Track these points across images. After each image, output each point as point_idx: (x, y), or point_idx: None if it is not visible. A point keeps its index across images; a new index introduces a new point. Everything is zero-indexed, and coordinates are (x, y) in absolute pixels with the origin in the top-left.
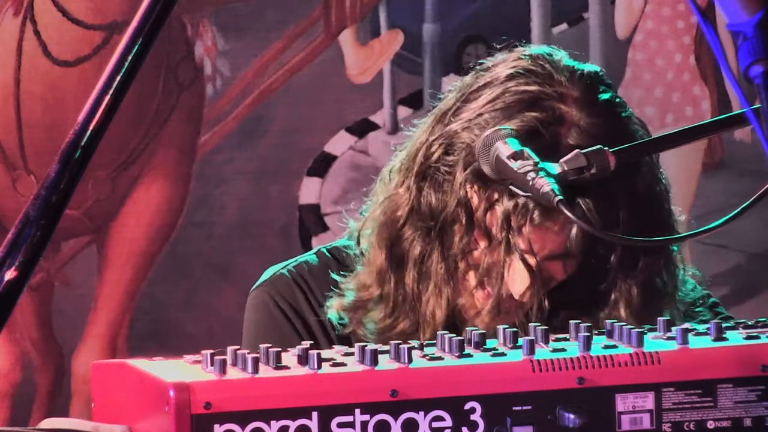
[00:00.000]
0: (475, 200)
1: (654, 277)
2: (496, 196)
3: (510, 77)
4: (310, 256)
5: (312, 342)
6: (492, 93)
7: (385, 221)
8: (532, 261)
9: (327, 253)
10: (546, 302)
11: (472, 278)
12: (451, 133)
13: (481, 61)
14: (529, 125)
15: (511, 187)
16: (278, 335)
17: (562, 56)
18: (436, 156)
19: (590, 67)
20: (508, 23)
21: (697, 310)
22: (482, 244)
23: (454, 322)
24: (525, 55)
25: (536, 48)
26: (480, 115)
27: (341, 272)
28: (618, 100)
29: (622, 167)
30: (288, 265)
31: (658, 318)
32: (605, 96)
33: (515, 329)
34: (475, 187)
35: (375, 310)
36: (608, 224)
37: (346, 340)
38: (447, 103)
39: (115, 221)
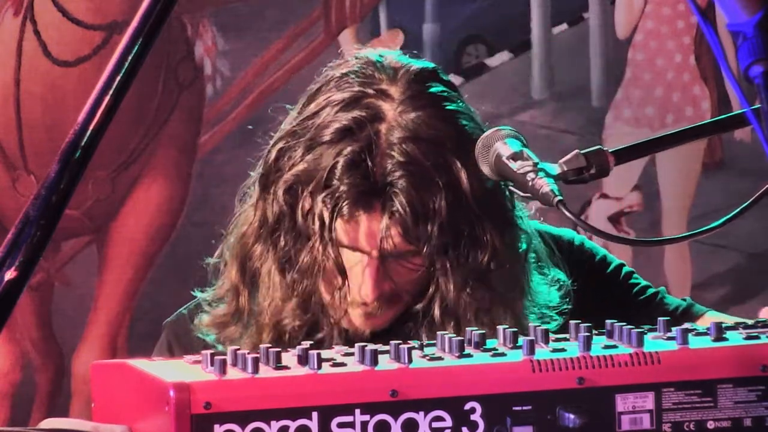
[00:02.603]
0: (298, 204)
1: (486, 273)
2: (314, 197)
3: (336, 80)
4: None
5: None
6: (320, 97)
7: (237, 238)
8: (356, 257)
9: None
10: (403, 303)
11: (311, 282)
12: (283, 139)
13: (322, 68)
14: (346, 125)
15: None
16: None
17: (393, 55)
18: (270, 162)
19: (421, 63)
20: (508, 23)
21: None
22: (309, 245)
23: (315, 327)
24: (354, 56)
25: (368, 51)
26: (307, 118)
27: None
28: (446, 94)
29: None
30: (191, 304)
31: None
32: (431, 90)
33: (514, 329)
34: (298, 192)
35: (235, 325)
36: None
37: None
38: (292, 112)
39: (115, 221)
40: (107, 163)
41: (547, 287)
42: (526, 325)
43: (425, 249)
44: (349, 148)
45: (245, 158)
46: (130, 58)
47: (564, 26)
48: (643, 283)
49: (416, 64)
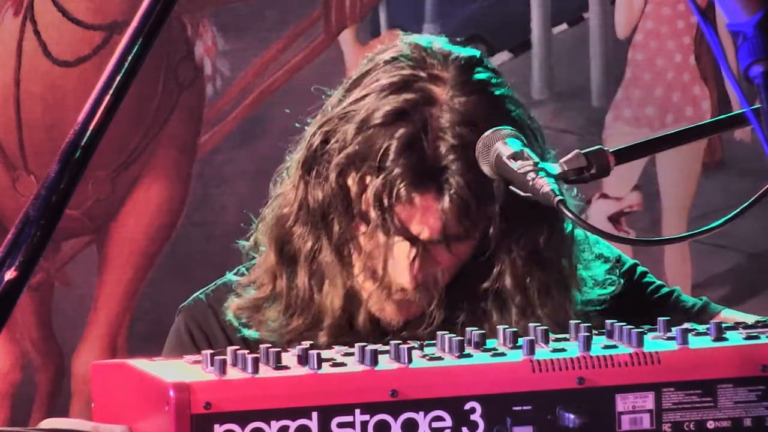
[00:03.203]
0: (351, 186)
1: (539, 250)
2: (368, 179)
3: (386, 63)
4: (230, 276)
5: None
6: (369, 80)
7: (275, 220)
8: (405, 241)
9: (246, 271)
10: (439, 290)
11: (357, 265)
12: (330, 122)
13: (368, 54)
14: (399, 106)
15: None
16: None
17: (441, 42)
18: (316, 146)
19: (469, 51)
20: (508, 23)
21: (600, 293)
22: (362, 228)
23: (353, 313)
24: (403, 42)
25: (417, 36)
26: (356, 101)
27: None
28: (495, 80)
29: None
30: (208, 288)
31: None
32: (480, 76)
33: (515, 329)
34: (351, 174)
35: (270, 309)
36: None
37: (245, 343)
38: (333, 96)
39: (115, 221)
40: (107, 163)
41: (595, 264)
42: (575, 307)
43: (489, 230)
44: (402, 130)
45: (245, 158)
46: (130, 58)
47: (564, 26)
48: (658, 282)
49: (463, 51)
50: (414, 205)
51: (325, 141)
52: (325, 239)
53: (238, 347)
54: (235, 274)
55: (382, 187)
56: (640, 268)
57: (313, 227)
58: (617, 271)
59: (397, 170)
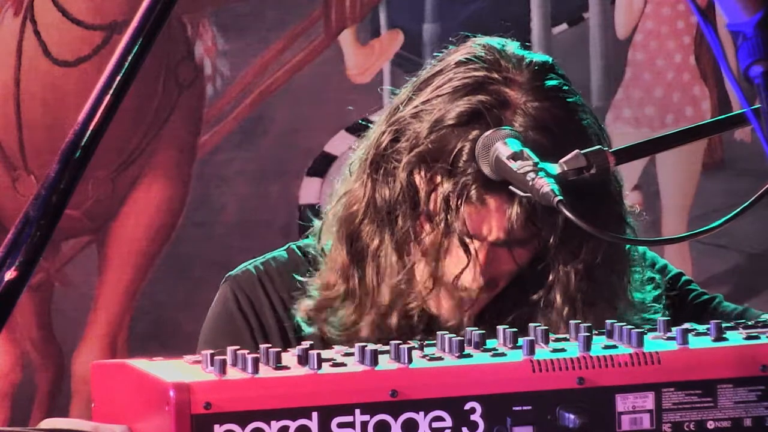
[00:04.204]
0: (420, 184)
1: (595, 266)
2: (438, 178)
3: (459, 64)
4: (280, 252)
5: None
6: (441, 80)
7: (344, 217)
8: (471, 242)
9: (297, 251)
10: (493, 294)
11: (419, 265)
12: (400, 121)
13: (436, 53)
14: (473, 108)
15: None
16: (232, 330)
17: (513, 46)
18: (385, 144)
19: (541, 56)
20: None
21: (654, 306)
22: (427, 227)
23: (408, 313)
24: (476, 43)
25: (489, 38)
26: (428, 101)
27: (309, 270)
28: (566, 87)
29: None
30: (257, 261)
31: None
32: (552, 83)
33: (515, 330)
34: (421, 172)
35: (341, 307)
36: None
37: (293, 328)
38: (401, 95)
39: (115, 221)
40: (107, 163)
41: (643, 284)
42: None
43: (550, 239)
44: (476, 132)
45: (245, 158)
46: (130, 58)
47: (564, 26)
48: (701, 290)
49: (536, 57)
50: (483, 207)
51: (395, 140)
52: (388, 235)
53: (237, 347)
54: (285, 250)
55: (453, 188)
56: (684, 277)
57: (381, 225)
58: (663, 285)
59: (470, 171)
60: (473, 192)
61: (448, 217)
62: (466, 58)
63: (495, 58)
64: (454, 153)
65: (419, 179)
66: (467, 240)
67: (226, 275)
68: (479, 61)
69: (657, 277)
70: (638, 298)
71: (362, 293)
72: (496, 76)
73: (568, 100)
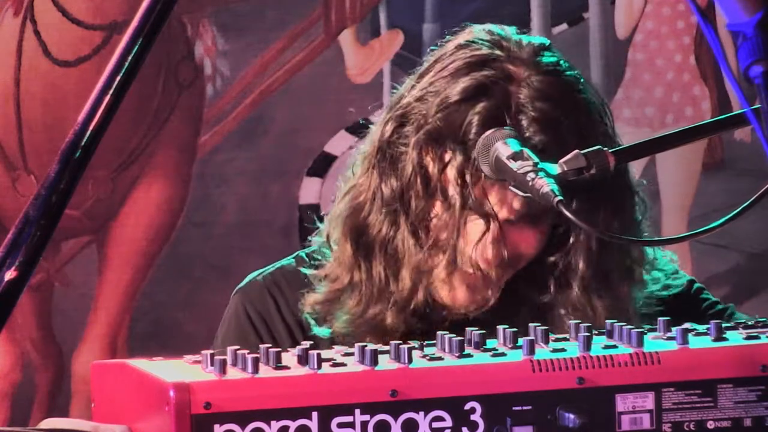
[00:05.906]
0: (430, 164)
1: (611, 261)
2: (449, 155)
3: (460, 47)
4: (288, 261)
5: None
6: (443, 63)
7: (350, 211)
8: (489, 217)
9: (305, 257)
10: (513, 271)
11: (433, 247)
12: (405, 107)
13: (432, 47)
14: (479, 82)
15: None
16: (244, 343)
17: (511, 30)
18: (390, 132)
19: (539, 38)
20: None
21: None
22: (440, 208)
23: (426, 298)
24: (475, 29)
25: (486, 25)
26: (432, 83)
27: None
28: (563, 63)
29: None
30: (265, 270)
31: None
32: (552, 59)
33: (515, 330)
34: (430, 152)
35: (348, 300)
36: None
37: (315, 341)
38: (402, 88)
39: (115, 221)
40: (107, 163)
41: (660, 262)
42: (635, 303)
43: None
44: (484, 104)
45: (245, 158)
46: (130, 58)
47: (564, 26)
48: (714, 298)
49: (533, 39)
50: (497, 182)
51: (401, 125)
52: (403, 220)
53: (237, 347)
54: (294, 258)
55: (464, 162)
56: (697, 284)
57: (389, 212)
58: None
59: (480, 143)
60: None
61: (464, 191)
62: (467, 41)
63: (496, 38)
64: (464, 126)
65: (429, 159)
66: (480, 216)
67: (237, 288)
68: (481, 41)
69: (662, 276)
70: (653, 275)
71: (369, 285)
72: (499, 53)
73: (569, 73)
